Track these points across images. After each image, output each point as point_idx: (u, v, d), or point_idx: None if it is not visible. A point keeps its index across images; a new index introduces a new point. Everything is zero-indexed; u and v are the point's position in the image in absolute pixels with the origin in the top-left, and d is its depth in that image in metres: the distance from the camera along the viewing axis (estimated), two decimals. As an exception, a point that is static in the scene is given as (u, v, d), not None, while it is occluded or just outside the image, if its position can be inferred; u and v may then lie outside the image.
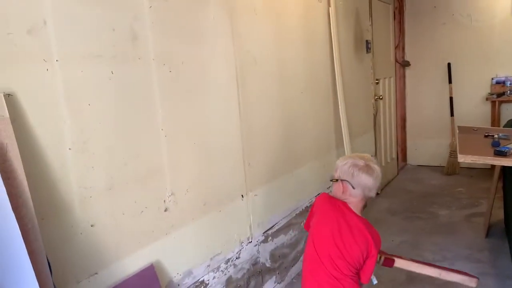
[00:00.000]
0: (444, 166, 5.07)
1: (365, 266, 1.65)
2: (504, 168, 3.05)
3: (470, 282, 1.85)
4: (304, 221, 1.90)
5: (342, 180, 1.69)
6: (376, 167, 1.70)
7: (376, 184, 1.69)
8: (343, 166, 1.70)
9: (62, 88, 1.39)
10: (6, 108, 1.22)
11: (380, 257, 1.83)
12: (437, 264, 2.87)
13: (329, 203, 1.73)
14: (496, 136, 2.62)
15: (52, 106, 1.37)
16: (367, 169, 1.67)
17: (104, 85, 1.54)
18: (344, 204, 1.71)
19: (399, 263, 1.86)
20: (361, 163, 1.68)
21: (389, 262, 1.85)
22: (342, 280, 1.61)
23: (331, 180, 1.77)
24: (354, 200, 1.69)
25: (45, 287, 1.22)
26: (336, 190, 1.73)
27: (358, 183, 1.66)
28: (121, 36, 1.60)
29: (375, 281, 1.74)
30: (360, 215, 1.71)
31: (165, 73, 1.79)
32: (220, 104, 2.14)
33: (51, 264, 1.29)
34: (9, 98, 1.26)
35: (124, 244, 1.62)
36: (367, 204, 1.74)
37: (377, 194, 4.36)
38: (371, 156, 1.76)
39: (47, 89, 1.36)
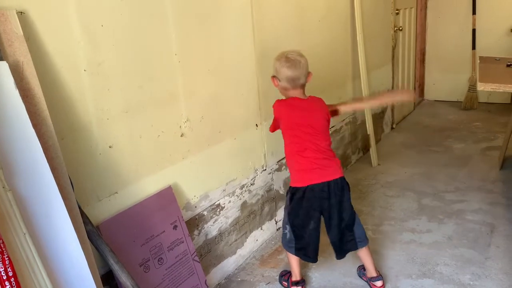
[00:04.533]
0: (462, 101, 4.98)
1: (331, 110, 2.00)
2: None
3: (408, 95, 2.25)
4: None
5: (272, 76, 1.92)
6: (295, 58, 1.84)
7: (298, 73, 1.85)
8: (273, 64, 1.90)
9: (74, 7, 1.37)
10: (19, 26, 1.21)
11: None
12: (450, 194, 2.92)
13: (285, 108, 1.91)
14: (519, 65, 2.54)
15: (65, 26, 1.36)
16: (286, 61, 1.84)
17: (117, 6, 1.51)
18: (291, 98, 1.91)
19: (343, 109, 2.11)
20: (282, 58, 1.86)
21: (335, 113, 2.06)
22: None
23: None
24: (291, 91, 1.89)
25: (68, 202, 1.28)
26: (274, 86, 1.95)
27: (281, 76, 1.87)
28: (132, -46, 1.54)
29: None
30: (305, 95, 1.93)
31: (177, -5, 1.74)
32: (234, 30, 2.10)
33: (72, 182, 1.33)
34: (22, 16, 1.24)
35: (143, 166, 1.67)
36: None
37: (392, 128, 4.34)
38: (295, 50, 1.91)
39: (59, 8, 1.33)
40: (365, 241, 1.99)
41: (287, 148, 1.96)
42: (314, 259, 1.99)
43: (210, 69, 1.96)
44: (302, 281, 2.07)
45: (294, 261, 2.03)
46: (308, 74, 1.89)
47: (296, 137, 1.89)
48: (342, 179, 1.92)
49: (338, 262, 2.20)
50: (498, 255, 2.22)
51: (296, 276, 2.05)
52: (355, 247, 1.98)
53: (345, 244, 1.97)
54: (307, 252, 1.97)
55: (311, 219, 1.91)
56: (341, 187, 1.91)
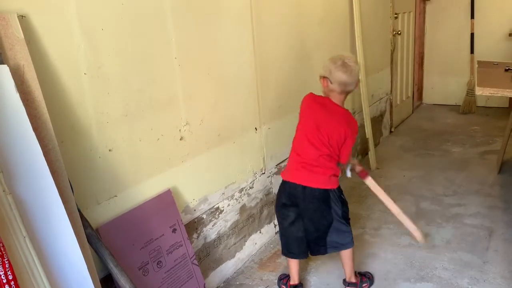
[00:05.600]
0: (460, 105, 5.00)
1: (343, 147, 1.92)
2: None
3: (417, 233, 2.14)
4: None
5: (323, 77, 1.93)
6: (352, 65, 1.88)
7: (352, 79, 1.89)
8: (324, 64, 1.93)
9: (74, 11, 1.37)
10: (20, 29, 1.21)
11: (358, 163, 2.14)
12: (448, 198, 2.93)
13: (312, 100, 1.98)
14: (517, 69, 2.55)
15: (66, 29, 1.36)
16: (343, 66, 1.87)
17: (117, 10, 1.51)
18: (326, 98, 1.95)
19: (371, 181, 2.13)
20: (338, 62, 1.88)
21: (364, 174, 2.10)
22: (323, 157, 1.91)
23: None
24: (334, 94, 1.93)
25: (68, 205, 1.28)
26: (322, 86, 1.97)
27: (334, 79, 1.88)
28: (132, -42, 1.54)
29: (349, 174, 2.09)
30: (342, 105, 1.96)
31: (178, -1, 1.75)
32: (234, 34, 2.10)
33: (72, 185, 1.34)
34: (23, 19, 1.24)
35: (142, 170, 1.67)
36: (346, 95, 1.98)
37: (391, 131, 4.35)
38: (352, 55, 1.98)
39: (60, 12, 1.34)
40: (339, 247, 2.00)
41: (294, 140, 2.01)
42: (298, 255, 2.03)
43: (209, 72, 1.96)
44: (300, 285, 2.08)
45: (292, 265, 2.04)
46: (357, 82, 1.94)
47: (305, 133, 1.93)
48: (323, 190, 1.92)
49: (336, 266, 2.21)
50: (497, 259, 2.23)
51: (294, 280, 2.06)
52: (324, 252, 2.02)
53: (317, 249, 2.02)
54: (289, 248, 2.02)
55: (287, 215, 1.98)
56: (317, 197, 1.91)
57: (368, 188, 3.10)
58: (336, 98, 1.92)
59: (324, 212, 1.94)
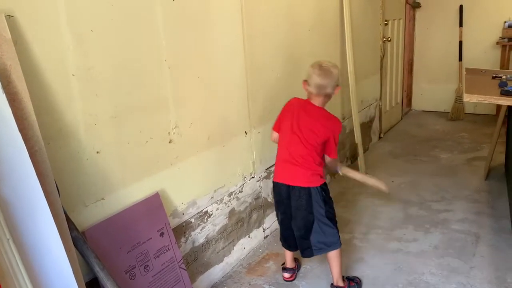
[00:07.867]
0: (448, 112, 5.05)
1: (328, 142, 1.98)
2: (509, 113, 3.04)
3: (382, 186, 2.24)
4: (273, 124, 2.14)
5: (304, 80, 2.01)
6: (327, 68, 1.94)
7: (326, 82, 1.94)
8: (307, 69, 2.01)
9: (64, 12, 1.36)
10: (8, 29, 1.20)
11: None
12: (436, 204, 2.95)
13: (295, 101, 2.06)
14: (504, 77, 2.58)
15: (55, 30, 1.35)
16: (318, 69, 1.94)
17: (107, 11, 1.50)
18: (307, 100, 2.02)
19: (344, 168, 2.17)
20: (316, 66, 1.96)
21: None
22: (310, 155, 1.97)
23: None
24: (313, 96, 1.99)
25: (54, 208, 1.26)
26: (304, 89, 2.04)
27: (311, 81, 1.96)
28: (123, -40, 1.54)
29: (339, 171, 2.14)
30: (322, 106, 2.01)
31: (168, 2, 1.74)
32: (225, 38, 2.10)
33: (58, 187, 1.32)
34: (10, 19, 1.23)
35: (130, 172, 1.65)
36: (330, 99, 2.04)
37: (380, 137, 4.38)
38: (331, 62, 2.03)
39: (49, 12, 1.33)
40: (326, 249, 2.02)
41: (279, 140, 2.08)
42: (287, 247, 2.16)
43: (200, 76, 1.96)
44: (291, 269, 2.20)
45: (286, 251, 2.19)
46: (336, 86, 1.97)
47: (285, 132, 2.01)
48: (304, 189, 1.96)
49: (324, 271, 2.21)
50: (483, 265, 2.24)
51: (287, 263, 2.22)
52: (311, 255, 2.05)
53: (304, 251, 2.06)
54: (281, 237, 2.17)
55: (278, 210, 2.11)
56: (300, 195, 1.97)
57: (357, 193, 3.14)
58: (315, 101, 1.99)
59: (305, 211, 1.97)
